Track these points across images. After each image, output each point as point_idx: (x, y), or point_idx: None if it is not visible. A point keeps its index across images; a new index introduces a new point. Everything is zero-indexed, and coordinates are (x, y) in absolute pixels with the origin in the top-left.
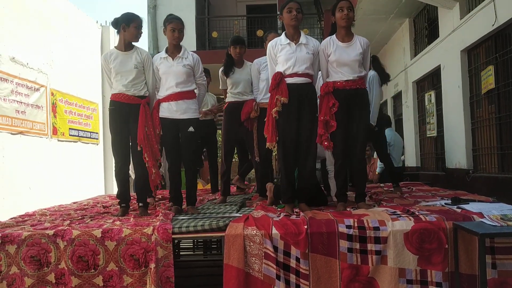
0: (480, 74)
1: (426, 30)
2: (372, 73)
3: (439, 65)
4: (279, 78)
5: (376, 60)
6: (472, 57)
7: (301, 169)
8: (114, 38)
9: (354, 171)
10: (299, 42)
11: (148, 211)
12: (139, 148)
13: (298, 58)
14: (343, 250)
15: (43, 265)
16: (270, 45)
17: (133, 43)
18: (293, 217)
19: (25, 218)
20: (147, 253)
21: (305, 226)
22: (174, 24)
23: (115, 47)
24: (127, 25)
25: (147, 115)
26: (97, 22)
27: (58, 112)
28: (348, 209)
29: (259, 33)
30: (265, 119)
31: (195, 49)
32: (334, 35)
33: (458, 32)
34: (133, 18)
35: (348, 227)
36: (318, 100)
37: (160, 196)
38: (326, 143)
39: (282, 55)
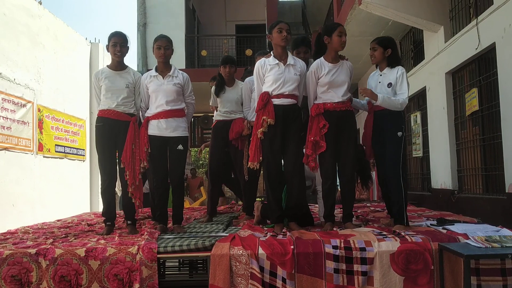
0: (464, 96)
1: (412, 52)
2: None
3: (425, 87)
4: (266, 99)
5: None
6: (456, 79)
7: (289, 189)
8: (103, 55)
9: (342, 191)
10: (287, 62)
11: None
12: (122, 165)
13: (287, 79)
14: (329, 271)
15: (24, 284)
16: (258, 64)
17: (126, 64)
18: (280, 237)
19: (7, 236)
20: (132, 273)
21: (292, 246)
22: (160, 42)
23: (107, 66)
24: (108, 44)
25: (136, 133)
26: (86, 39)
27: (45, 128)
28: (334, 229)
29: (248, 52)
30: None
31: (184, 67)
32: (323, 58)
33: (442, 55)
34: (110, 36)
35: (335, 247)
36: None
37: (146, 214)
38: (312, 164)
39: (271, 75)
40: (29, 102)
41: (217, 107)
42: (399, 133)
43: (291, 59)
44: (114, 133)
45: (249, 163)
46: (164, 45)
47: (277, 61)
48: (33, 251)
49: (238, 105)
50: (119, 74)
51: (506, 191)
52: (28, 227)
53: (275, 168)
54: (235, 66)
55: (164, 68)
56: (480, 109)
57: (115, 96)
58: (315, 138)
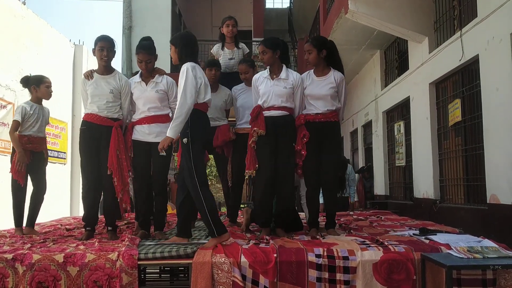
0: (448, 107)
1: (396, 62)
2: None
3: (408, 97)
4: (257, 111)
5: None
6: (440, 90)
7: (279, 195)
8: (87, 57)
9: (325, 198)
10: (279, 77)
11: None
12: (109, 172)
13: (275, 92)
14: (311, 280)
15: None
16: (254, 77)
17: (114, 67)
18: (263, 245)
19: None
20: (111, 280)
21: (275, 255)
22: (141, 56)
23: (94, 70)
24: (94, 48)
25: (119, 138)
26: (70, 40)
27: None
28: (318, 236)
29: None
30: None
31: (169, 72)
32: (312, 70)
33: (427, 66)
34: (97, 40)
35: (318, 256)
36: None
37: (126, 220)
38: (299, 171)
39: (262, 89)
40: (10, 103)
41: None
42: (184, 140)
43: (284, 73)
44: (97, 137)
45: (246, 171)
46: (146, 59)
47: (269, 75)
48: (9, 256)
49: (222, 112)
50: (104, 78)
51: (488, 202)
52: (5, 231)
53: (269, 173)
54: (220, 70)
55: (148, 75)
56: (463, 120)
57: (99, 101)
58: (297, 147)
